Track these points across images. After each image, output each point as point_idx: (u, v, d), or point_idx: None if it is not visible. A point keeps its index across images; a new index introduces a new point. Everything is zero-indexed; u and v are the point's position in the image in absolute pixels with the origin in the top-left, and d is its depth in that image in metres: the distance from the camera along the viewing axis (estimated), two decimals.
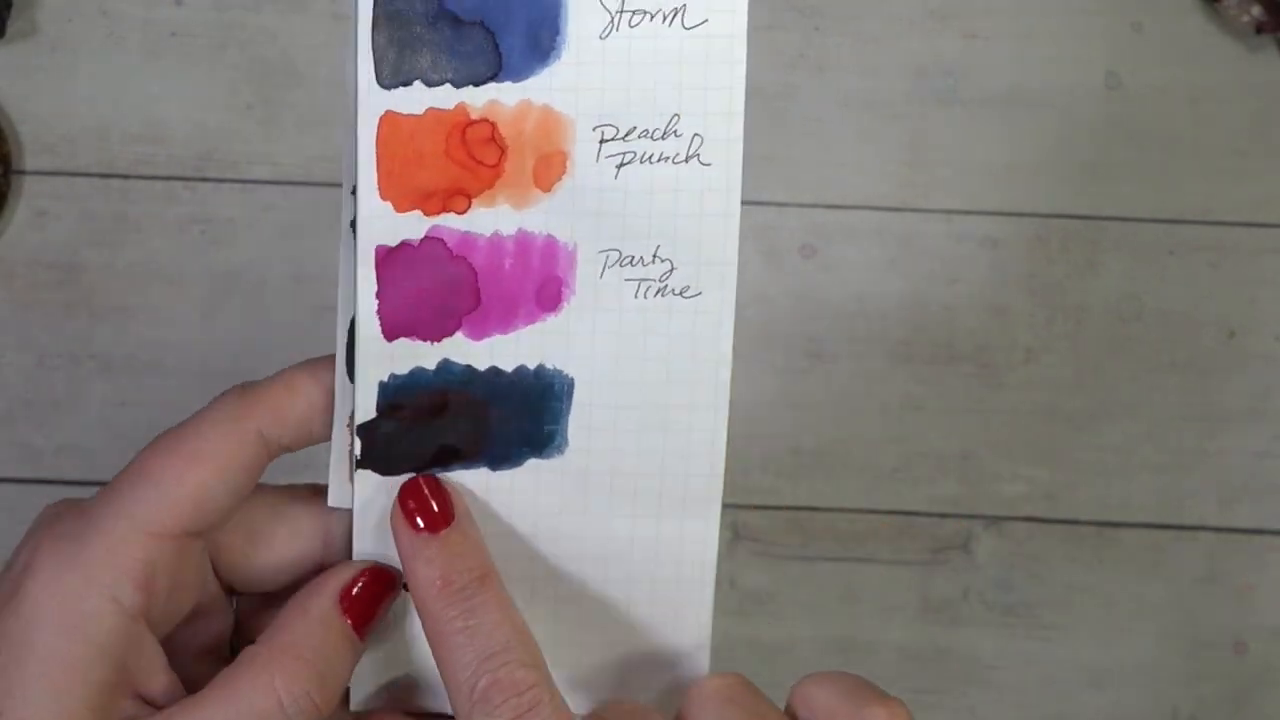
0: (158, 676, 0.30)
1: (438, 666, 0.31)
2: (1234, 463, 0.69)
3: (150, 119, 0.69)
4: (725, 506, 0.63)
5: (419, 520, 0.31)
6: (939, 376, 0.69)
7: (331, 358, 0.33)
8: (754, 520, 0.68)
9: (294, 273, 0.68)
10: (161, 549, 0.30)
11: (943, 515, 0.69)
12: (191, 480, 0.31)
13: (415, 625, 0.33)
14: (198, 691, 0.31)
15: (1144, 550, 0.69)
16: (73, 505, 0.32)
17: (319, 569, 0.33)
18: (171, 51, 0.69)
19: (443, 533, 0.31)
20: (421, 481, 0.32)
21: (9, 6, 0.68)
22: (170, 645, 0.31)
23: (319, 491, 0.34)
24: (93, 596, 0.29)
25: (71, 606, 0.29)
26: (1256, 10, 0.68)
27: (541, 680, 0.30)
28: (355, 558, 0.33)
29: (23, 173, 0.68)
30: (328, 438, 0.33)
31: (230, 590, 0.34)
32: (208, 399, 0.70)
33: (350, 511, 0.33)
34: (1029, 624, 0.69)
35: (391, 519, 0.32)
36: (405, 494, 0.32)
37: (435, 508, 0.32)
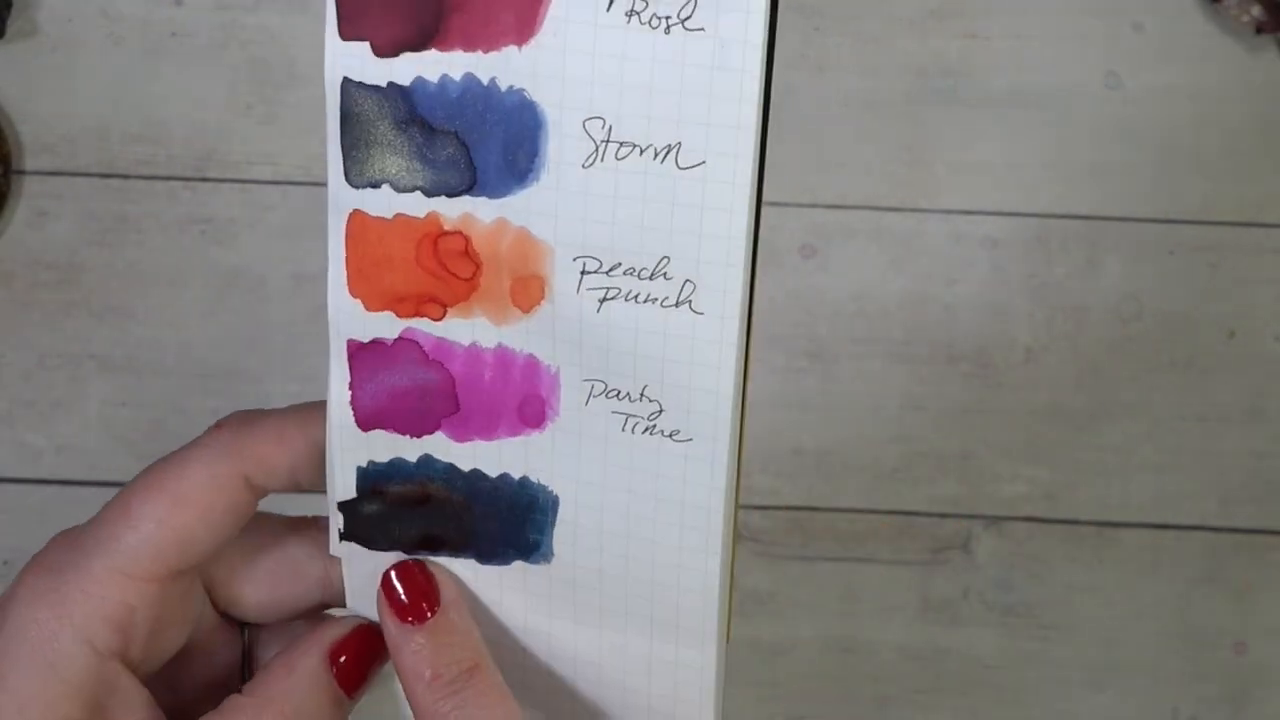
0: (136, 714, 0.30)
1: None
2: (1234, 463, 0.69)
3: (150, 119, 0.69)
4: None
5: (405, 607, 0.31)
6: (939, 376, 0.69)
7: (321, 404, 0.32)
8: (754, 520, 0.68)
9: (294, 273, 0.68)
10: (141, 590, 0.30)
11: (943, 515, 0.69)
12: (174, 523, 0.30)
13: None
14: None
15: (1144, 550, 0.69)
16: (69, 538, 0.31)
17: (321, 604, 0.33)
18: (171, 51, 0.69)
19: (429, 622, 0.30)
20: (408, 566, 0.31)
21: (9, 6, 0.68)
22: (171, 678, 0.31)
23: (322, 523, 0.33)
24: (66, 636, 0.29)
25: (45, 648, 0.29)
26: (1256, 10, 0.68)
27: None
28: (350, 601, 0.32)
29: (23, 173, 0.68)
30: (316, 488, 0.32)
31: (239, 621, 0.33)
32: (208, 399, 0.70)
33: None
34: (1029, 624, 0.69)
35: (377, 603, 0.31)
36: (389, 581, 0.31)
37: (420, 595, 0.31)
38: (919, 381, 0.69)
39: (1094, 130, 0.69)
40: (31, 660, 0.29)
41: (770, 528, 0.68)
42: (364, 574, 0.32)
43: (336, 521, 0.31)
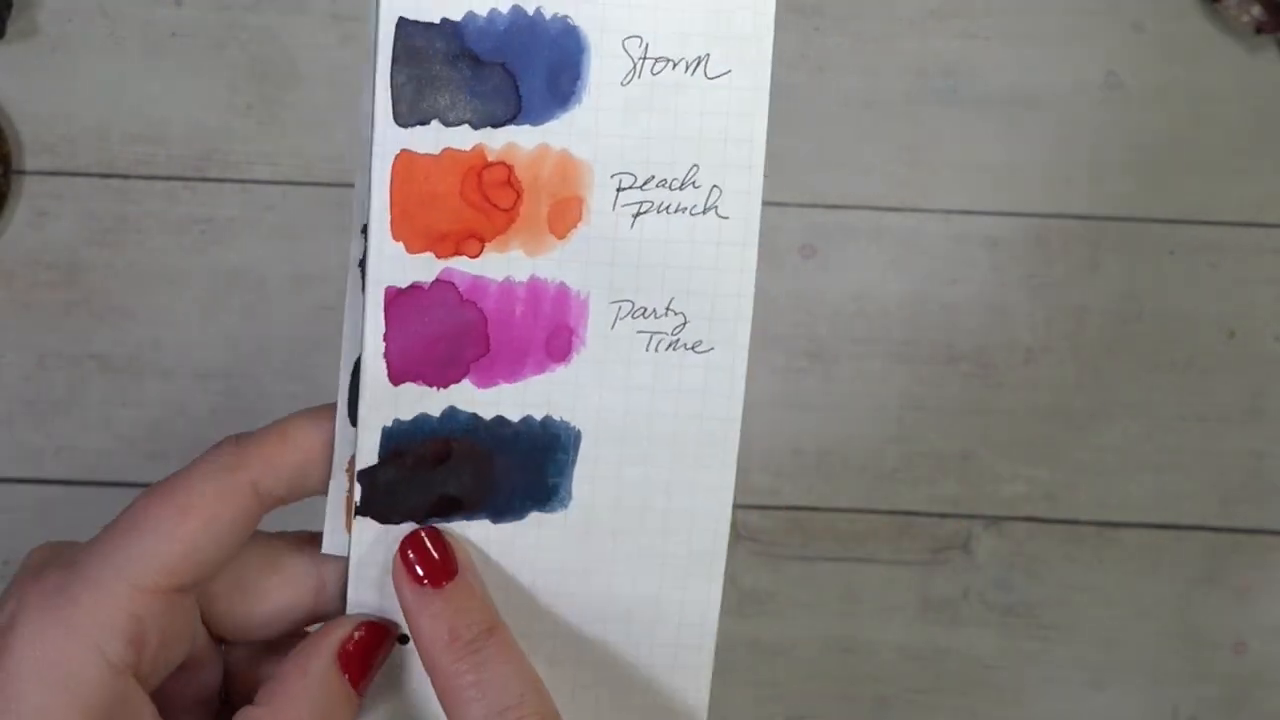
0: None
1: (448, 718, 0.30)
2: (1234, 463, 0.69)
3: (150, 119, 0.69)
4: None
5: (421, 574, 0.31)
6: (939, 376, 0.69)
7: (328, 407, 0.32)
8: (754, 520, 0.68)
9: (294, 273, 0.68)
10: (151, 604, 0.30)
11: (943, 515, 0.69)
12: (182, 535, 0.30)
13: (412, 678, 0.33)
14: None
15: (1144, 550, 0.69)
16: (58, 552, 0.31)
17: (311, 618, 0.33)
18: (171, 51, 0.69)
19: (447, 586, 0.31)
20: (422, 534, 0.32)
21: (9, 6, 0.68)
22: (160, 697, 0.31)
23: (313, 539, 0.33)
24: (80, 653, 0.29)
25: (58, 663, 0.29)
26: (1256, 10, 0.68)
27: None
28: (351, 608, 0.33)
29: (23, 173, 0.68)
30: (323, 490, 0.32)
31: (219, 639, 0.33)
32: (208, 399, 0.70)
33: (344, 561, 0.32)
34: (1029, 624, 0.69)
35: (393, 573, 0.31)
36: (406, 547, 0.31)
37: (437, 560, 0.31)
38: (919, 381, 0.69)
39: (1094, 130, 0.69)
40: (46, 677, 0.28)
41: (770, 528, 0.68)
42: (375, 557, 0.32)
43: (354, 495, 0.32)
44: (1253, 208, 0.69)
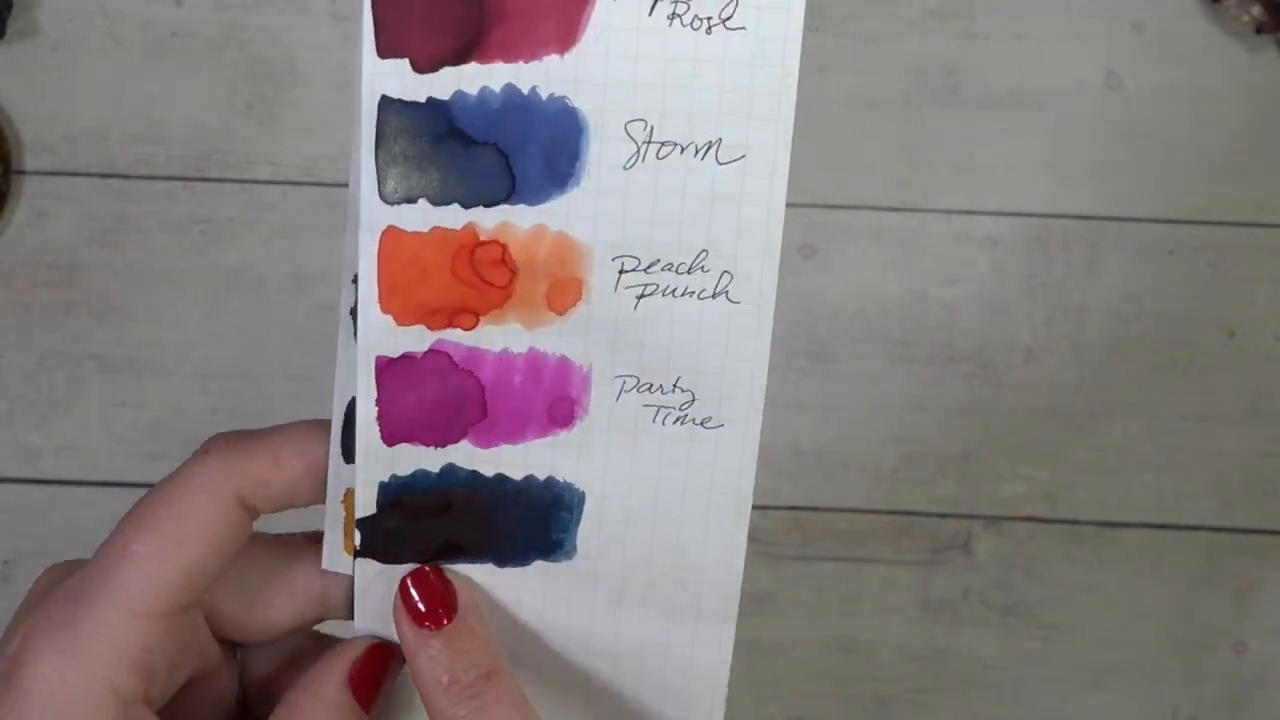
0: None
1: None
2: (1234, 463, 0.69)
3: (150, 119, 0.69)
4: None
5: (421, 613, 0.31)
6: (939, 376, 0.69)
7: (320, 424, 0.32)
8: (754, 520, 0.68)
9: (294, 273, 0.68)
10: (155, 630, 0.29)
11: (943, 515, 0.69)
12: (178, 560, 0.30)
13: (416, 699, 0.33)
14: None
15: (1144, 550, 0.69)
16: (61, 575, 0.31)
17: (318, 618, 0.33)
18: (171, 51, 0.69)
19: (446, 627, 0.30)
20: (425, 573, 0.31)
21: (9, 7, 0.68)
22: (173, 710, 0.31)
23: (317, 540, 0.33)
24: (92, 688, 0.29)
25: (66, 699, 0.28)
26: (1256, 10, 0.68)
27: None
28: (357, 631, 0.32)
29: (23, 173, 0.68)
30: (312, 503, 0.32)
31: (229, 642, 0.33)
32: (208, 399, 0.70)
33: (349, 569, 0.32)
34: (1029, 624, 0.69)
35: (394, 611, 0.31)
36: (407, 585, 0.31)
37: (438, 600, 0.31)
38: (919, 381, 0.69)
39: (1094, 130, 0.69)
40: (57, 713, 0.28)
41: (770, 528, 0.68)
42: (377, 590, 0.32)
43: (353, 539, 0.31)
44: (1253, 208, 0.69)
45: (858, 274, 0.69)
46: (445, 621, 0.30)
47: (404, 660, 0.32)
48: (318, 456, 0.31)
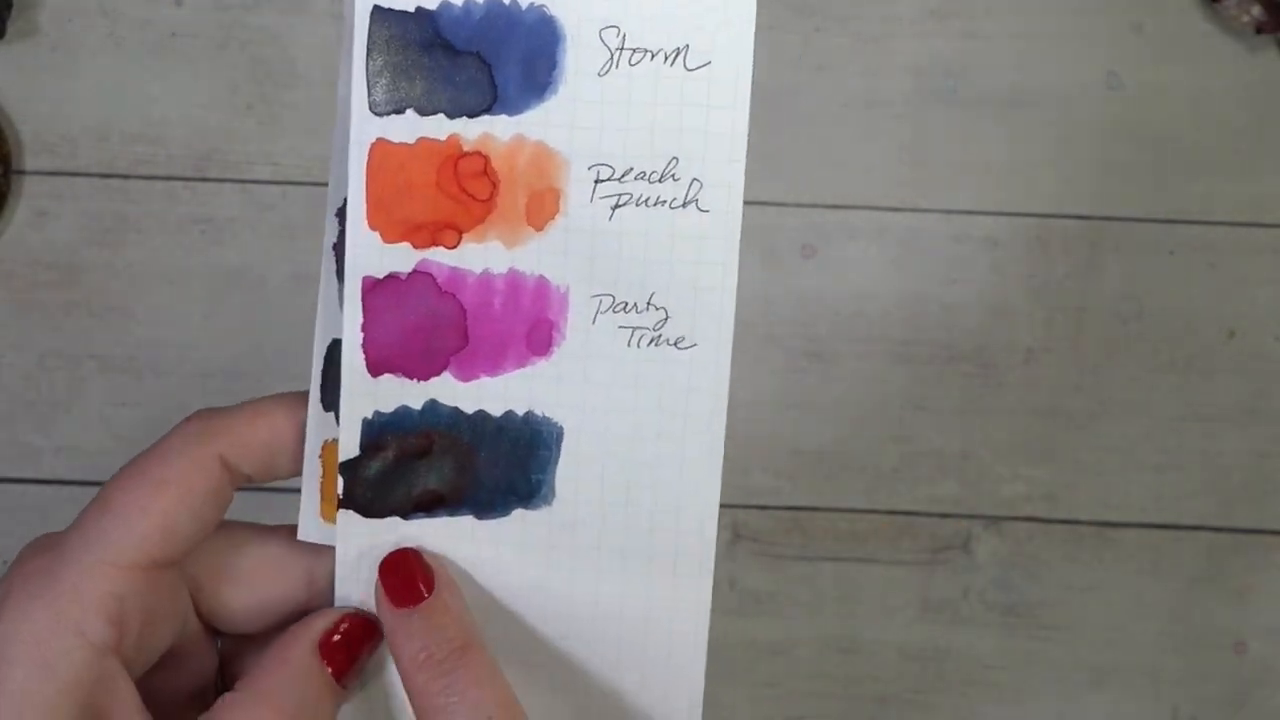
0: (131, 717, 0.30)
1: None
2: (1234, 463, 0.69)
3: (150, 119, 0.69)
4: (725, 506, 0.63)
5: (399, 592, 0.31)
6: (939, 376, 0.69)
7: (300, 394, 0.32)
8: (754, 520, 0.68)
9: (294, 273, 0.68)
10: (130, 581, 0.30)
11: (943, 515, 0.69)
12: (156, 510, 0.30)
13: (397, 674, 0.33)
14: None
15: (1144, 550, 0.69)
16: (47, 540, 0.31)
17: (303, 611, 0.33)
18: (171, 51, 0.69)
19: (423, 604, 0.31)
20: (401, 554, 0.32)
21: (9, 6, 0.68)
22: (151, 687, 0.31)
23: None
24: (62, 633, 0.29)
25: (40, 644, 0.29)
26: (1256, 10, 0.68)
27: None
28: (338, 602, 0.33)
29: (23, 173, 0.68)
30: (293, 473, 0.32)
31: (213, 631, 0.33)
32: (208, 399, 0.70)
33: (333, 552, 0.33)
34: (1029, 624, 0.69)
35: (375, 594, 0.32)
36: (386, 569, 0.31)
37: (414, 579, 0.31)
38: (919, 381, 0.69)
39: (1094, 130, 0.69)
40: (29, 660, 0.29)
41: (770, 528, 0.68)
42: (357, 551, 0.32)
43: (338, 488, 0.32)
44: (1253, 208, 0.69)
45: (858, 274, 0.69)
46: (422, 600, 0.31)
47: (380, 635, 0.33)
48: (297, 414, 0.32)
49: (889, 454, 0.69)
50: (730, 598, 0.68)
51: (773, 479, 0.68)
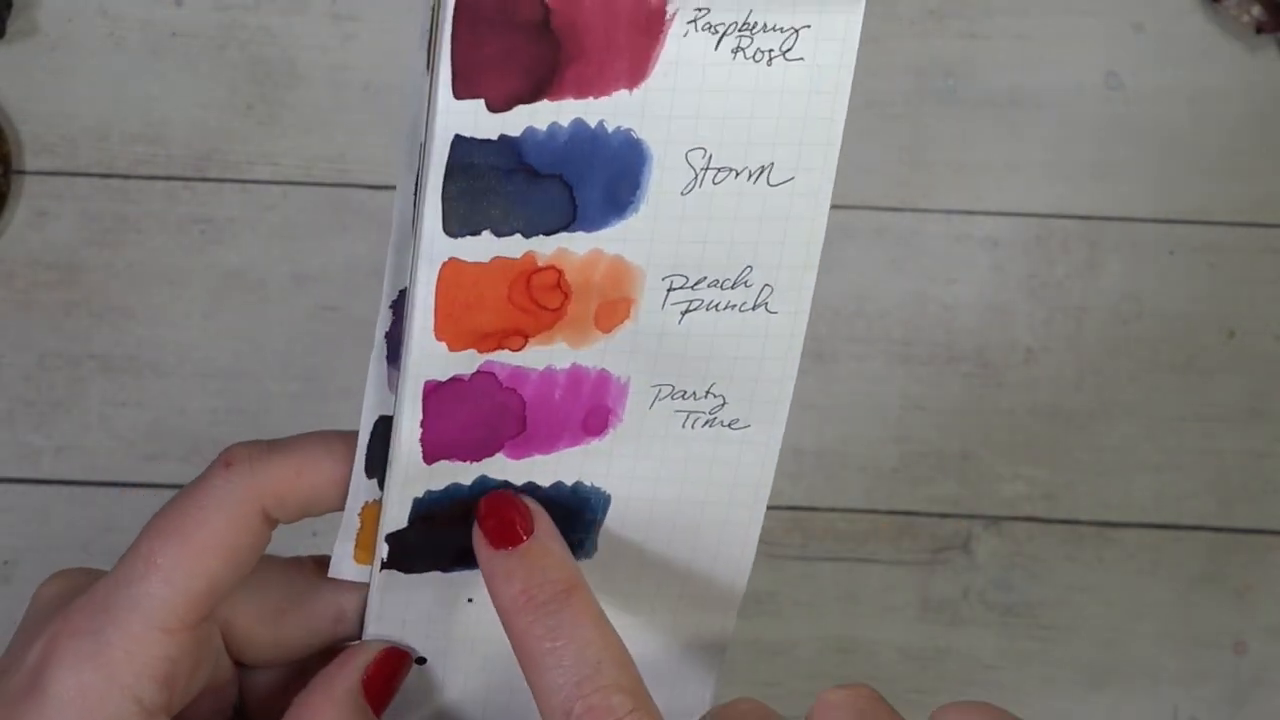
0: None
1: (529, 685, 0.29)
2: (1234, 463, 0.69)
3: (150, 119, 0.69)
4: None
5: (499, 534, 0.31)
6: (939, 376, 0.69)
7: (342, 435, 0.32)
8: None
9: (294, 273, 0.68)
10: (179, 643, 0.30)
11: (943, 515, 0.69)
12: (202, 572, 0.30)
13: (429, 696, 0.33)
14: None
15: (1144, 550, 0.69)
16: (75, 585, 0.31)
17: (328, 642, 0.33)
18: (171, 51, 0.69)
19: (522, 545, 0.30)
20: (500, 496, 0.31)
21: (9, 6, 0.68)
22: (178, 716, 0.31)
23: (326, 561, 0.33)
24: (116, 698, 0.29)
25: (94, 707, 0.29)
26: (1256, 10, 0.68)
27: (640, 703, 0.28)
28: (367, 635, 0.33)
29: (23, 173, 0.68)
30: (328, 512, 0.32)
31: (238, 663, 0.34)
32: (208, 399, 0.70)
33: (362, 588, 0.33)
34: (1029, 624, 0.69)
35: (472, 538, 0.31)
36: (484, 511, 0.31)
37: (515, 521, 0.31)
38: (919, 381, 0.69)
39: (1094, 130, 0.69)
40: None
41: (770, 528, 0.68)
42: (392, 599, 0.32)
43: (381, 553, 0.31)
44: (1253, 208, 0.69)
45: (858, 274, 0.69)
46: (523, 539, 0.30)
47: (410, 664, 0.33)
48: (340, 469, 0.31)
49: (889, 454, 0.69)
50: None
51: (773, 479, 0.68)
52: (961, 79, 0.69)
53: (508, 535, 0.30)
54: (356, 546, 0.32)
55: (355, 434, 0.31)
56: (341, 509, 0.32)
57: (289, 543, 0.34)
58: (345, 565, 0.32)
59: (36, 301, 0.68)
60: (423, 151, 0.28)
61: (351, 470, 0.31)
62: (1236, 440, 0.69)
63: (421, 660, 0.33)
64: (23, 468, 0.68)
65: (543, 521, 0.31)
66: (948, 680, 0.69)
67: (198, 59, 0.69)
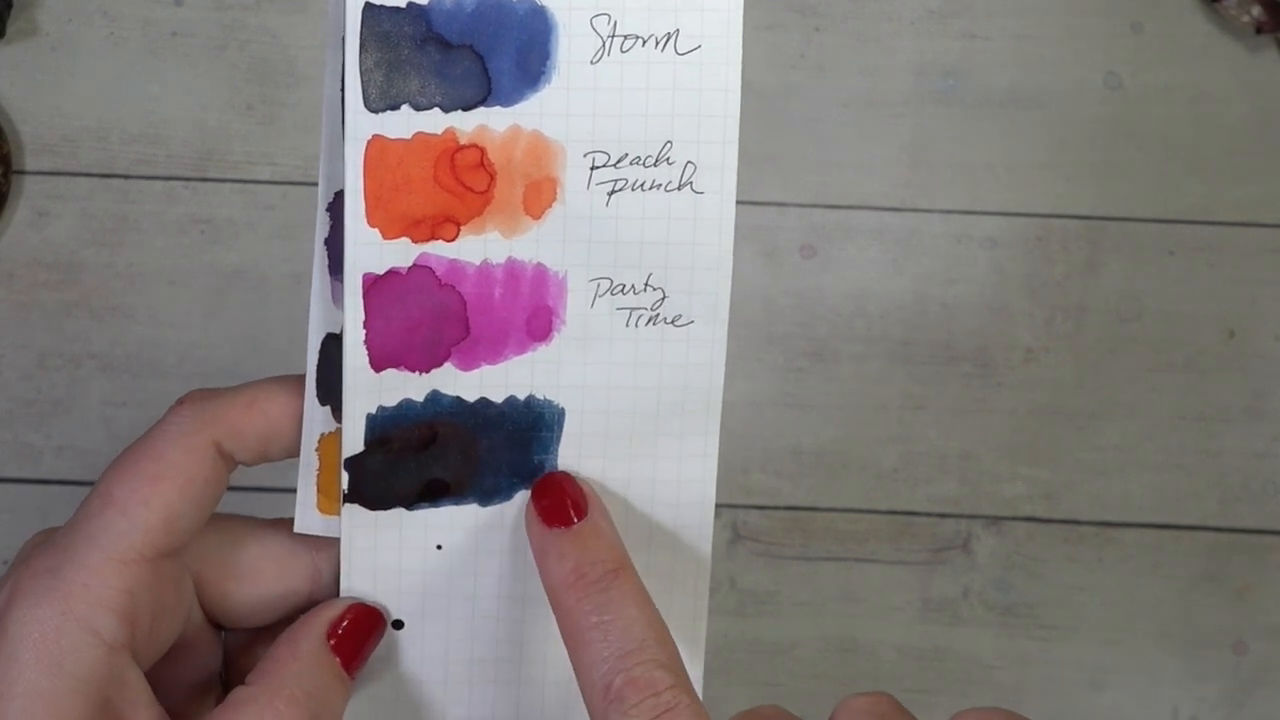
0: (143, 711, 0.30)
1: (571, 662, 0.30)
2: (1234, 463, 0.69)
3: (150, 119, 0.69)
4: (725, 507, 0.64)
5: (551, 513, 0.31)
6: (939, 376, 0.69)
7: (295, 379, 0.32)
8: (754, 520, 0.68)
9: (294, 273, 0.68)
10: (138, 575, 0.30)
11: (943, 515, 0.69)
12: (157, 502, 0.30)
13: (405, 664, 0.33)
14: None
15: (1144, 550, 0.69)
16: (49, 537, 0.31)
17: (307, 604, 0.33)
18: (171, 51, 0.69)
19: (575, 526, 0.31)
20: (554, 476, 0.32)
21: (9, 6, 0.68)
22: (157, 680, 0.31)
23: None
24: (72, 630, 0.29)
25: (51, 641, 0.29)
26: (1256, 10, 0.68)
27: (679, 680, 0.29)
28: (343, 594, 0.33)
29: (23, 173, 0.68)
30: (288, 457, 0.32)
31: (218, 625, 0.33)
32: None
33: (335, 545, 0.33)
34: (1029, 624, 0.69)
35: (525, 516, 0.32)
36: (539, 491, 0.32)
37: (568, 501, 0.31)
38: (919, 381, 0.69)
39: (1094, 130, 0.69)
40: (39, 660, 0.29)
41: (770, 528, 0.68)
42: (363, 542, 0.32)
43: (342, 483, 0.32)
44: (1253, 208, 0.69)
45: (858, 274, 0.69)
46: (574, 520, 0.31)
47: (387, 626, 0.33)
48: (294, 402, 0.32)
49: (889, 454, 0.69)
50: (730, 598, 0.68)
51: (773, 479, 0.68)
52: (961, 79, 0.69)
53: (561, 515, 0.31)
54: (319, 493, 0.32)
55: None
56: (296, 454, 0.32)
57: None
58: (310, 516, 0.33)
59: (36, 301, 0.68)
60: (340, 34, 0.30)
61: (304, 399, 0.32)
62: (1236, 440, 0.69)
63: (399, 624, 0.33)
64: (23, 468, 0.68)
65: (595, 503, 0.32)
66: (948, 680, 0.69)
67: (198, 59, 0.69)
